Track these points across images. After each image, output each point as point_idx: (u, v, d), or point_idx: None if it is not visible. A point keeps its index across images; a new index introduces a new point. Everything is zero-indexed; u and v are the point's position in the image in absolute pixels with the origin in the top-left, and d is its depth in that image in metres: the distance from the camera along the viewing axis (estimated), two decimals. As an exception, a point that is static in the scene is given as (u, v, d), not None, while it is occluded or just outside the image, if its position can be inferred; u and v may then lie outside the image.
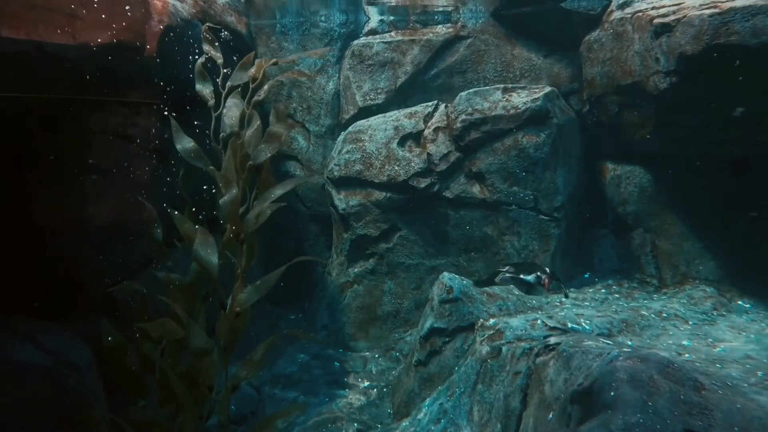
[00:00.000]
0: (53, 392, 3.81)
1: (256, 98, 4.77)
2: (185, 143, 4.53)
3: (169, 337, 4.09)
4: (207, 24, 4.89)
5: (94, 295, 4.27)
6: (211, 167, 4.52)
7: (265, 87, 4.80)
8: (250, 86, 4.76)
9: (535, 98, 6.07)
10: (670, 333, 4.91)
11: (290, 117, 7.23)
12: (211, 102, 4.68)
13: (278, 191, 4.56)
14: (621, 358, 3.58)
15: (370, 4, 7.15)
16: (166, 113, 4.70)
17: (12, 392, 3.62)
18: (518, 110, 6.02)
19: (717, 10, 4.86)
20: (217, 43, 4.87)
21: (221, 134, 4.61)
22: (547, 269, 4.94)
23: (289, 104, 7.22)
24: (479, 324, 5.13)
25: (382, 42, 7.04)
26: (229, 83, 4.75)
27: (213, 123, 4.62)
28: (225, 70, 4.77)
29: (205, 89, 4.69)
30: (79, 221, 4.30)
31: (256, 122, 4.66)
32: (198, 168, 4.57)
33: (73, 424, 3.78)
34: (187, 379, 4.05)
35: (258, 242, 4.51)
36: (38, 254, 4.10)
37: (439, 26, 7.13)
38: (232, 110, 4.61)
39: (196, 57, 4.89)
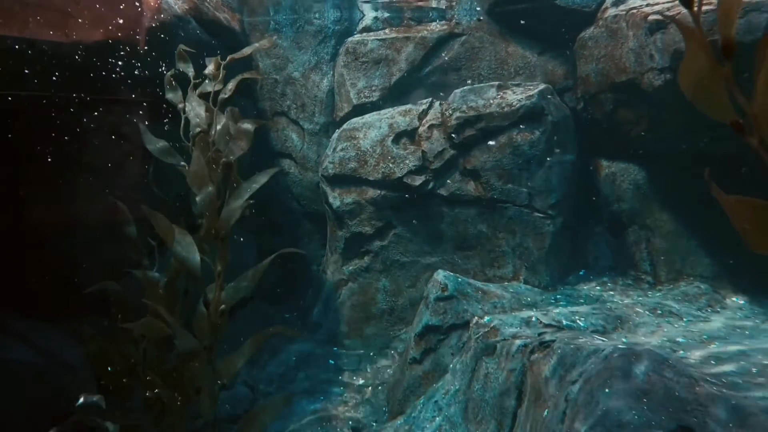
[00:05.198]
0: (46, 391, 3.79)
1: (221, 96, 4.80)
2: (155, 143, 4.57)
3: (154, 336, 4.06)
4: (180, 46, 4.88)
5: (88, 294, 4.25)
6: (182, 163, 4.54)
7: (230, 86, 4.83)
8: (213, 85, 4.81)
9: (530, 95, 6.06)
10: (665, 330, 4.91)
11: (284, 115, 7.22)
12: (181, 105, 4.75)
13: (254, 185, 4.56)
14: (615, 354, 3.58)
15: (364, 1, 7.13)
16: (159, 110, 4.70)
17: (5, 391, 3.60)
18: (513, 107, 6.01)
19: (711, 7, 4.85)
20: (190, 61, 4.90)
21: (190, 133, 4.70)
22: None
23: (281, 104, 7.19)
24: (474, 321, 5.12)
25: (377, 39, 7.02)
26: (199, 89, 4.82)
27: (182, 123, 4.71)
28: (196, 81, 4.82)
29: (175, 97, 4.82)
30: (72, 220, 4.27)
31: (223, 120, 4.70)
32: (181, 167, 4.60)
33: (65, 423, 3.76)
34: (173, 379, 4.02)
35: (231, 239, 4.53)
36: (31, 253, 4.08)
37: (434, 23, 7.12)
38: (195, 109, 4.65)
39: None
